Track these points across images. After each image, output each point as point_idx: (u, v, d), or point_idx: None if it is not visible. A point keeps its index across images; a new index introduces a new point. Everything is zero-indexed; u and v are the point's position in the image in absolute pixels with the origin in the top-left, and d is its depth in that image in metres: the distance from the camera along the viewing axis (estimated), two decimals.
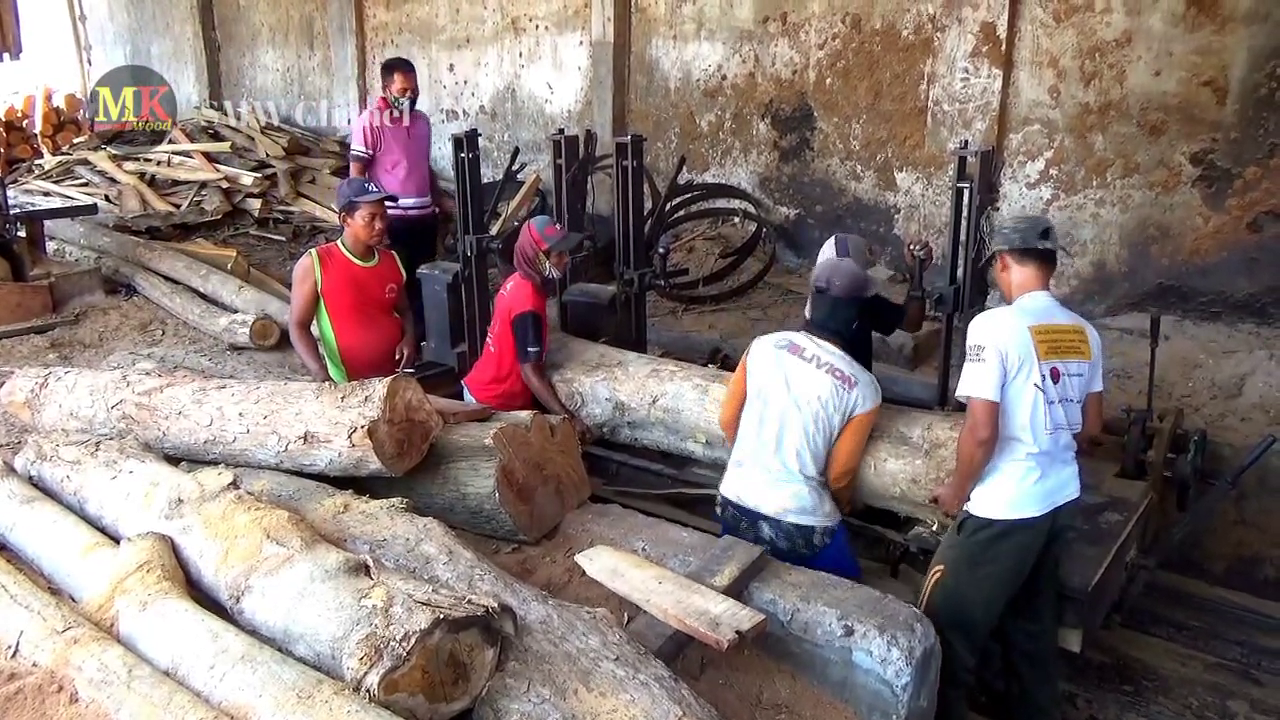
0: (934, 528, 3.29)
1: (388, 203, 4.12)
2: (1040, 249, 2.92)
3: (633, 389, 3.98)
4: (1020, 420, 2.82)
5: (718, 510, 3.32)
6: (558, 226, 4.26)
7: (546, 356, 4.13)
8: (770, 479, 3.13)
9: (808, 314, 3.40)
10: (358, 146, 5.74)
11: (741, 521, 3.20)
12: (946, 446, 3.19)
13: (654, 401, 3.91)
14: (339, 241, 4.11)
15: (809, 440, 3.08)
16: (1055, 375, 2.83)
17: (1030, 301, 2.91)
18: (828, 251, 3.66)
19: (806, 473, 3.10)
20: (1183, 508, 4.17)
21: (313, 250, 4.09)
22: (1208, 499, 4.11)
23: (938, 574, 2.98)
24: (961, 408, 2.95)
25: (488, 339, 4.30)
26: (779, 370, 3.13)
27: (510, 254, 4.30)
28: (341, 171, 8.76)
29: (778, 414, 3.11)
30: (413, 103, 5.71)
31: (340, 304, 4.03)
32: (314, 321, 4.10)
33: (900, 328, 4.09)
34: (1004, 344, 2.78)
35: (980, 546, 2.90)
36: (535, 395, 4.10)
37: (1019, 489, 2.85)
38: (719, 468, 3.89)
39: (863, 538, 3.43)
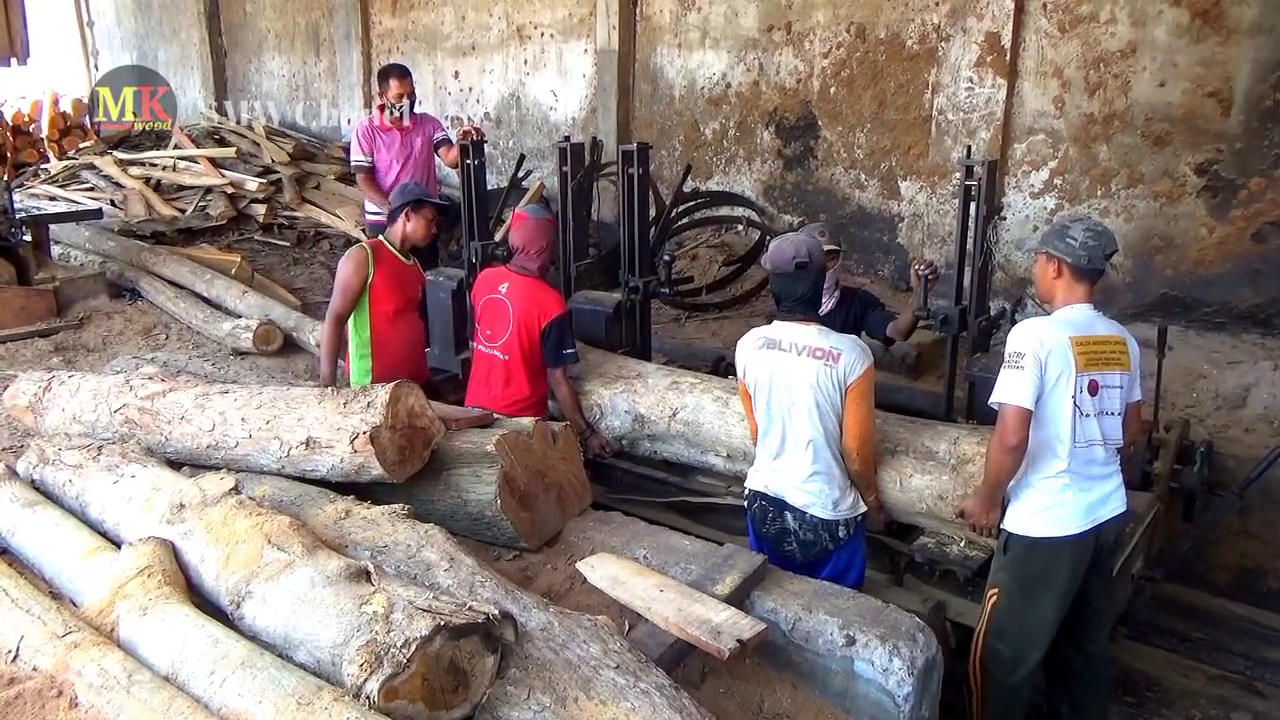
0: (962, 544, 3.28)
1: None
2: (1100, 268, 2.90)
3: (652, 401, 3.94)
4: (1052, 432, 2.80)
5: (746, 505, 3.33)
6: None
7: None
8: (791, 476, 3.13)
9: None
10: (357, 156, 5.75)
11: (769, 513, 3.20)
12: (974, 462, 3.15)
13: (674, 414, 3.87)
14: (382, 238, 4.17)
15: (817, 428, 3.05)
16: (1093, 388, 2.80)
17: (1072, 313, 2.87)
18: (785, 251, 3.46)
19: (824, 464, 3.08)
20: (1189, 519, 4.15)
21: (364, 244, 4.14)
22: (1214, 510, 4.10)
23: (993, 598, 2.96)
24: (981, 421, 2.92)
25: (488, 349, 4.04)
26: (767, 370, 3.12)
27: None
28: (347, 178, 8.79)
29: (780, 413, 3.10)
30: (411, 106, 5.69)
31: (386, 298, 4.07)
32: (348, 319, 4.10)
33: (884, 336, 4.06)
34: (1044, 353, 2.76)
35: (1027, 568, 2.87)
36: (560, 402, 4.04)
37: (1054, 504, 2.83)
38: (727, 478, 3.90)
39: (868, 547, 3.41)
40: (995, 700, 3.01)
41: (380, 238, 4.19)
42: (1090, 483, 2.84)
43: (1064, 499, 2.82)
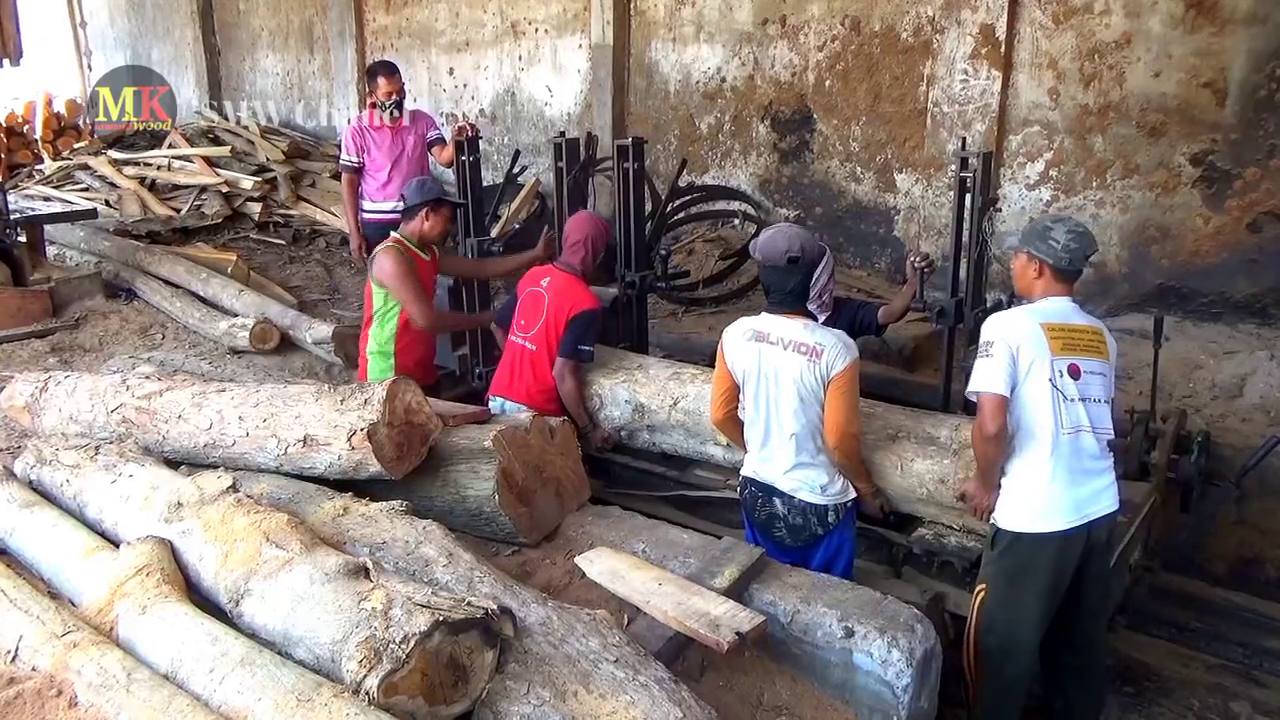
0: (959, 529, 3.27)
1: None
2: (1080, 269, 2.90)
3: (653, 391, 3.94)
4: (1035, 419, 2.79)
5: (738, 492, 3.35)
6: None
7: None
8: (779, 463, 3.14)
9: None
10: (344, 156, 5.72)
11: (759, 499, 3.21)
12: None
13: (675, 404, 3.87)
14: (400, 236, 4.12)
15: (801, 422, 3.05)
16: (1075, 372, 2.79)
17: (1047, 304, 2.89)
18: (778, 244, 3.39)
19: (809, 454, 3.09)
20: (1186, 509, 4.16)
21: (390, 244, 4.07)
22: (1211, 500, 4.11)
23: (980, 592, 2.96)
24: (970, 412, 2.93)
25: (519, 339, 4.01)
26: (755, 362, 3.11)
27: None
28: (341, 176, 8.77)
29: (766, 405, 3.11)
30: (399, 105, 5.64)
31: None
32: (374, 321, 4.06)
33: (878, 325, 4.03)
34: (1014, 340, 2.77)
35: (1015, 562, 2.87)
36: (564, 396, 3.97)
37: (1042, 497, 2.81)
38: (725, 470, 3.89)
39: (866, 539, 3.42)
40: (990, 691, 3.01)
41: (398, 235, 4.13)
42: (1081, 476, 2.83)
43: (1052, 492, 2.81)
